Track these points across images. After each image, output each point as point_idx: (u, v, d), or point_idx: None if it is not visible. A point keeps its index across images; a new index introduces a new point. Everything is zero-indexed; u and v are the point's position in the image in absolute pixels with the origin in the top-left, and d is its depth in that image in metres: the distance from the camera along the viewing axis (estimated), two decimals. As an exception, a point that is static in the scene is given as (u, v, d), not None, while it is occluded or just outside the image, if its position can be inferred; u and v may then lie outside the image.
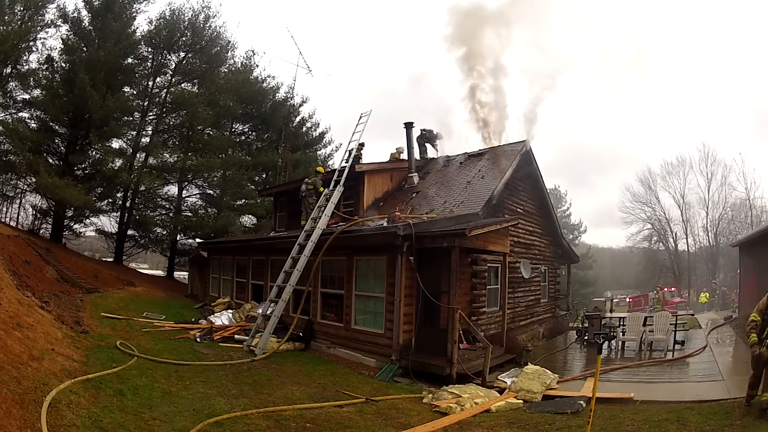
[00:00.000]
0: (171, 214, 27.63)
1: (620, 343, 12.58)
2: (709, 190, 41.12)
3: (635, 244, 47.60)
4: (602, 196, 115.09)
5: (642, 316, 13.18)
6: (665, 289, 29.90)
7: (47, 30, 23.51)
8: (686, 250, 43.93)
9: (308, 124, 32.82)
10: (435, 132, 17.70)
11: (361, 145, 15.23)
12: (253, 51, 37.97)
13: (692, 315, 17.00)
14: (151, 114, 26.91)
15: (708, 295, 30.03)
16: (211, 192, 29.23)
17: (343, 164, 14.08)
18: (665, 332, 11.73)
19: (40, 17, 23.11)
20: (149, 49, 26.15)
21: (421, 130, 17.53)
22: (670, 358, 10.87)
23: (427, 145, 17.67)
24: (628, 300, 37.71)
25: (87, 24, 24.24)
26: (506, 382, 8.71)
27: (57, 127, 24.05)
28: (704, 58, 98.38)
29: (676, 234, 44.16)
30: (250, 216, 30.63)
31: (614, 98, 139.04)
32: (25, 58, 23.16)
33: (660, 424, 5.89)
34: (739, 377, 8.46)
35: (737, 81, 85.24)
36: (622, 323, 13.34)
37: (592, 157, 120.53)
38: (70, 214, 25.06)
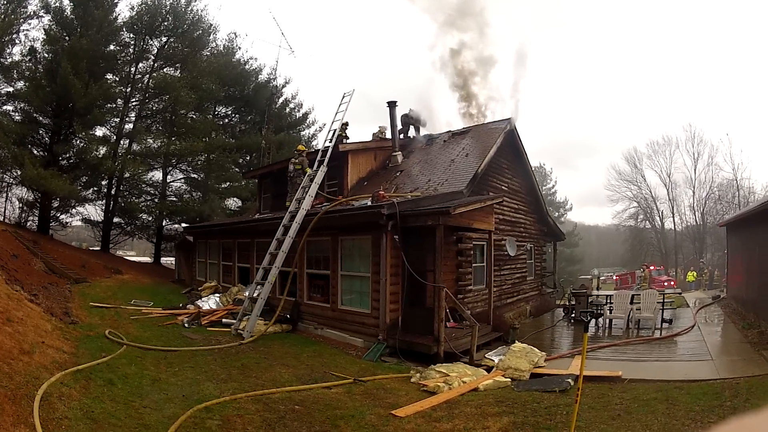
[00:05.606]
0: (156, 200, 27.46)
1: (607, 321, 12.65)
2: (695, 170, 41.29)
3: (621, 222, 47.83)
4: (587, 177, 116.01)
5: (629, 294, 13.22)
6: (652, 268, 30.13)
7: (30, 21, 23.14)
8: (673, 228, 44.27)
9: (291, 105, 32.55)
10: (419, 115, 17.50)
11: (345, 124, 15.00)
12: (235, 33, 37.52)
13: (679, 293, 17.10)
14: (134, 100, 26.50)
15: (695, 273, 30.24)
16: (195, 176, 29.01)
17: (327, 144, 13.90)
18: (653, 310, 11.79)
19: (22, 9, 22.72)
20: (131, 35, 25.69)
21: (407, 112, 17.34)
22: (658, 336, 10.91)
23: (411, 127, 17.44)
24: (614, 278, 38.04)
25: (69, 13, 23.77)
26: (494, 361, 8.75)
27: (41, 118, 23.65)
28: (691, 39, 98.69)
29: (662, 213, 44.48)
30: (234, 199, 30.46)
31: (598, 80, 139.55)
32: (8, 51, 22.72)
33: (649, 403, 5.92)
34: (728, 357, 8.48)
35: (724, 62, 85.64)
36: (609, 301, 13.41)
37: (576, 141, 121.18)
38: (56, 205, 24.81)
